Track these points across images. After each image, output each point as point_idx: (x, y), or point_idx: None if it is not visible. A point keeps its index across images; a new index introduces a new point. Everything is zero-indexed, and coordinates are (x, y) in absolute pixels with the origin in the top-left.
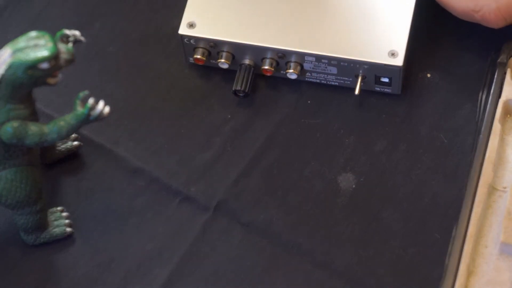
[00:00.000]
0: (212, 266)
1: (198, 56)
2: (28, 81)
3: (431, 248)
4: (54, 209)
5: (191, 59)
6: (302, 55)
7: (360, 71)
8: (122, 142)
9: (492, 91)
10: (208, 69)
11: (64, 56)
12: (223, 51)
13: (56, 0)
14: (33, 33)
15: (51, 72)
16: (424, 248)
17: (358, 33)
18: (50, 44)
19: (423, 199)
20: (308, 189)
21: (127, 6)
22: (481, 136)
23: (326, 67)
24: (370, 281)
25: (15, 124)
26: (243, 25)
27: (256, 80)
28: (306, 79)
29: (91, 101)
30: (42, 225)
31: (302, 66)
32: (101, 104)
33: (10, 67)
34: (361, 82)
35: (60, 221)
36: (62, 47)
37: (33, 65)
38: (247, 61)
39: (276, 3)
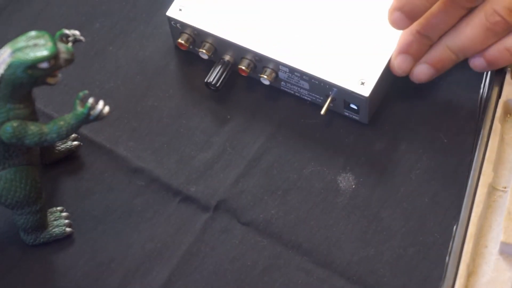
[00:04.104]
0: (212, 266)
1: (182, 42)
2: (28, 81)
3: (431, 248)
4: (54, 209)
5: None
6: (277, 64)
7: (330, 92)
8: (121, 141)
9: (492, 91)
10: (209, 68)
11: (63, 55)
12: (206, 41)
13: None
14: (32, 33)
15: (50, 72)
16: (424, 248)
17: (336, 55)
18: (49, 44)
19: (423, 199)
20: (308, 189)
21: (127, 5)
22: (481, 136)
23: (299, 81)
24: (370, 281)
25: (14, 123)
26: (229, 21)
27: (256, 79)
28: (281, 88)
29: (91, 100)
30: (41, 225)
31: (277, 74)
32: (101, 103)
33: (10, 66)
34: (329, 103)
35: (59, 221)
36: (61, 46)
37: (32, 65)
38: (227, 57)
39: (267, 8)
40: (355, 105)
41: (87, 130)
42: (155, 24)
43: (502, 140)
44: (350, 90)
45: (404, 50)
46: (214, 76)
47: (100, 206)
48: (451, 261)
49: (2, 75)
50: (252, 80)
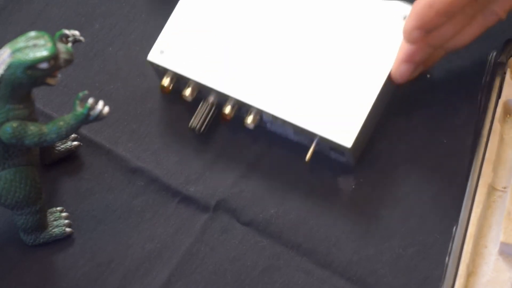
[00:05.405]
0: (211, 266)
1: (164, 85)
2: (28, 81)
3: (431, 248)
4: (54, 209)
5: None
6: (259, 111)
7: (314, 139)
8: (121, 142)
9: (492, 91)
10: None
11: (63, 56)
12: (188, 85)
13: (56, 0)
14: (32, 33)
15: (50, 72)
16: (424, 248)
17: (318, 103)
18: (49, 44)
19: (423, 199)
20: (307, 189)
21: (126, 6)
22: (481, 136)
23: (283, 126)
24: (370, 281)
25: (14, 124)
26: (211, 67)
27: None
28: (267, 128)
29: (90, 101)
30: (41, 225)
31: (261, 117)
32: (100, 104)
33: (10, 67)
34: (314, 149)
35: (59, 221)
36: (61, 47)
37: (32, 65)
38: (211, 99)
39: (249, 55)
40: (340, 151)
41: (87, 130)
42: (154, 25)
43: (501, 140)
44: (332, 140)
45: (410, 59)
46: (197, 120)
47: (100, 206)
48: (451, 261)
49: (2, 75)
50: None
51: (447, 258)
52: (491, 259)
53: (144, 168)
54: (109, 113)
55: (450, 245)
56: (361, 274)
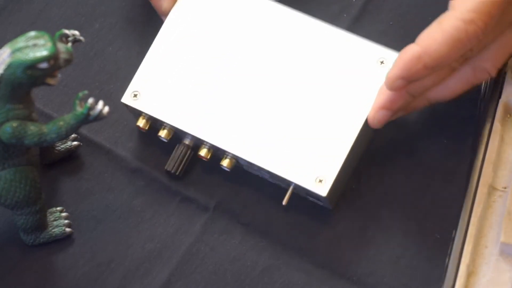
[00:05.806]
0: (211, 266)
1: (140, 125)
2: (28, 81)
3: (431, 248)
4: (54, 209)
5: None
6: (235, 156)
7: (290, 185)
8: (121, 142)
9: (492, 91)
10: None
11: (63, 56)
12: (164, 126)
13: (56, 0)
14: (32, 33)
15: (50, 72)
16: (424, 248)
17: (293, 150)
18: (49, 44)
19: (423, 199)
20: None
21: (126, 6)
22: (481, 136)
23: (259, 170)
24: (370, 281)
25: (14, 124)
26: (186, 111)
27: None
28: (244, 168)
29: (90, 101)
30: (41, 225)
31: (237, 160)
32: (100, 104)
33: (9, 67)
34: (290, 193)
35: (59, 221)
36: (61, 47)
37: (32, 65)
38: (187, 142)
39: (224, 99)
40: (316, 197)
41: (87, 130)
42: (154, 25)
43: (502, 140)
44: (307, 189)
45: (388, 106)
46: (173, 164)
47: (99, 206)
48: (451, 262)
49: (2, 75)
50: None
51: (447, 258)
52: (492, 259)
53: (144, 168)
54: (109, 113)
55: (450, 245)
56: (361, 274)
